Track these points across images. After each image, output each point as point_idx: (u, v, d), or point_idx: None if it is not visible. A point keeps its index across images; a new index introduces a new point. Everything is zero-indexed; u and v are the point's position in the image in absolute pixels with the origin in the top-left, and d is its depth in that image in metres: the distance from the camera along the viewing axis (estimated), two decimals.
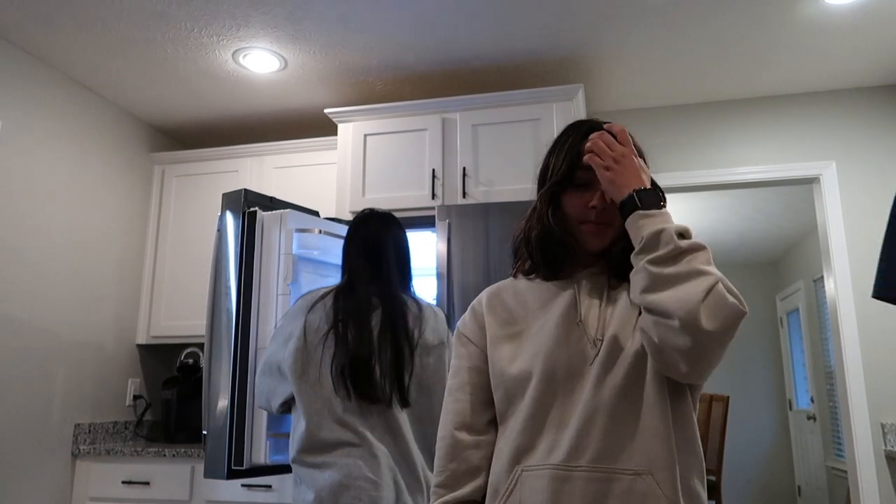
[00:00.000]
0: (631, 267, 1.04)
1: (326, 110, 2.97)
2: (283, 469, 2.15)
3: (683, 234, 1.00)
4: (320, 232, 2.27)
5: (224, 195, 2.24)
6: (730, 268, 6.77)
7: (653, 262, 0.98)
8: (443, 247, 2.50)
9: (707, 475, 4.33)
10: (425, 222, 2.77)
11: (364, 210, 1.94)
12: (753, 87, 3.14)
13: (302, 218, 2.26)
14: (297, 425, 1.68)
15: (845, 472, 4.77)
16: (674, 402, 1.03)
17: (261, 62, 2.88)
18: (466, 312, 1.21)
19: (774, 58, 2.87)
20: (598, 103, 3.29)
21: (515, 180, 2.71)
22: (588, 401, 1.02)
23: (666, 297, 0.95)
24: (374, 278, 1.78)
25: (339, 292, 1.75)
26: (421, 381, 1.73)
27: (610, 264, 1.13)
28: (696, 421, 1.06)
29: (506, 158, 2.75)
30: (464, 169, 2.77)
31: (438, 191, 2.78)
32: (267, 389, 1.79)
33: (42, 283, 2.81)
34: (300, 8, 2.50)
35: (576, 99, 2.76)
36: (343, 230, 2.40)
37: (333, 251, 2.34)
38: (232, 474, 2.03)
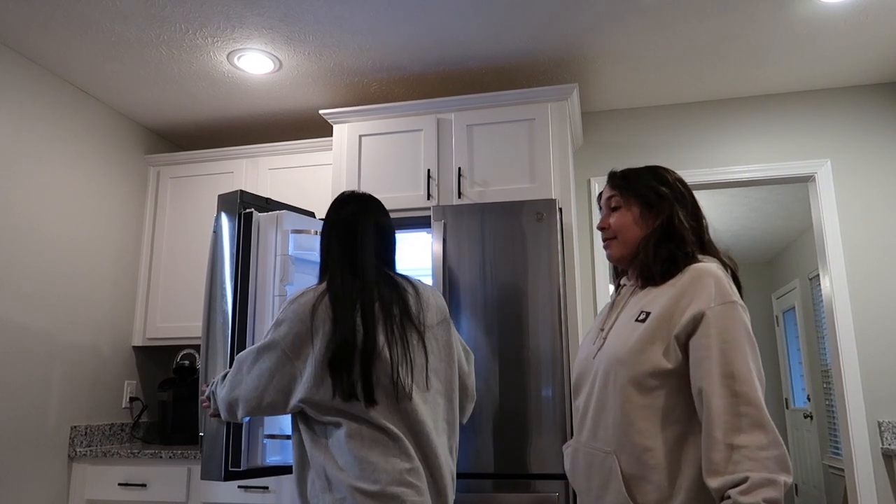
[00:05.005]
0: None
1: (321, 111, 2.97)
2: (280, 470, 2.15)
3: None
4: (316, 233, 2.27)
5: (220, 196, 2.23)
6: None
7: None
8: (438, 247, 2.50)
9: None
10: (421, 223, 2.76)
11: (344, 193, 1.78)
12: (748, 85, 3.14)
13: (298, 219, 2.25)
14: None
15: (842, 470, 4.78)
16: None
17: (255, 63, 2.88)
18: None
19: (768, 56, 2.88)
20: (593, 103, 3.30)
21: (511, 180, 2.72)
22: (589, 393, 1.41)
23: None
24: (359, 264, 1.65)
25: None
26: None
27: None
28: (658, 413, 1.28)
29: (501, 158, 2.75)
30: (459, 169, 2.77)
31: (434, 191, 2.78)
32: None
33: (37, 285, 2.81)
34: (294, 9, 2.50)
35: (570, 99, 2.76)
36: None
37: None
38: (229, 476, 2.02)
